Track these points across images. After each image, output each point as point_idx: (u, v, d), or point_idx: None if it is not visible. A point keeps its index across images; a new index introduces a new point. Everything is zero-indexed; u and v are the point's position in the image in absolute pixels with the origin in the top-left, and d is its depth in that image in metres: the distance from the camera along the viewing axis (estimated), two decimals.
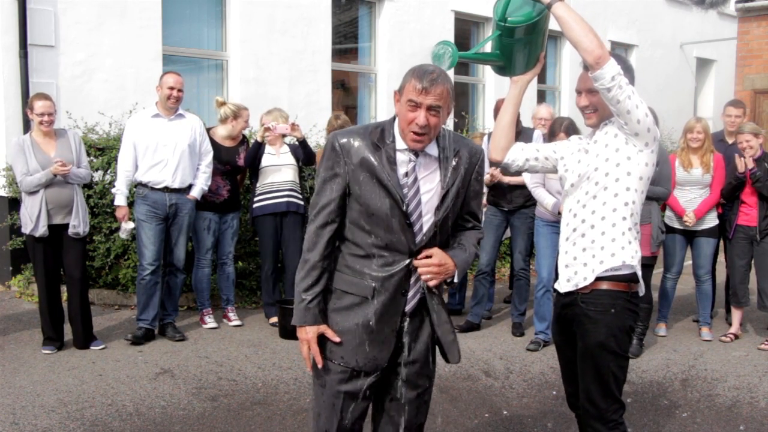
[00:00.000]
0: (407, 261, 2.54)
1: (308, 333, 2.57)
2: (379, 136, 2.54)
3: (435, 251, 2.54)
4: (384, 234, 2.52)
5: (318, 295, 2.57)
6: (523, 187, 5.95)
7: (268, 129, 6.15)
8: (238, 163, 6.35)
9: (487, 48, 3.03)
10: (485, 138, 6.46)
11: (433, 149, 2.57)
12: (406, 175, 2.53)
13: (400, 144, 2.54)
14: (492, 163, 3.49)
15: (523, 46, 2.94)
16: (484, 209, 6.40)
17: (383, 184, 2.49)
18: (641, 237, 5.38)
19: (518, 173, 5.96)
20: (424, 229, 2.55)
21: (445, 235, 2.63)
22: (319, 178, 2.58)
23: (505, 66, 3.02)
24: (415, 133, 2.47)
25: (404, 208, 2.50)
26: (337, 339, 2.58)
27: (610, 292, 2.93)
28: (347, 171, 2.52)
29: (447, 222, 2.60)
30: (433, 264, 2.52)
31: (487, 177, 6.03)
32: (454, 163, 2.58)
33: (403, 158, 2.54)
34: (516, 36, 2.88)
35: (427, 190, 2.55)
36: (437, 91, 2.44)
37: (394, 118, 2.60)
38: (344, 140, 2.53)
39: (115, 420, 4.29)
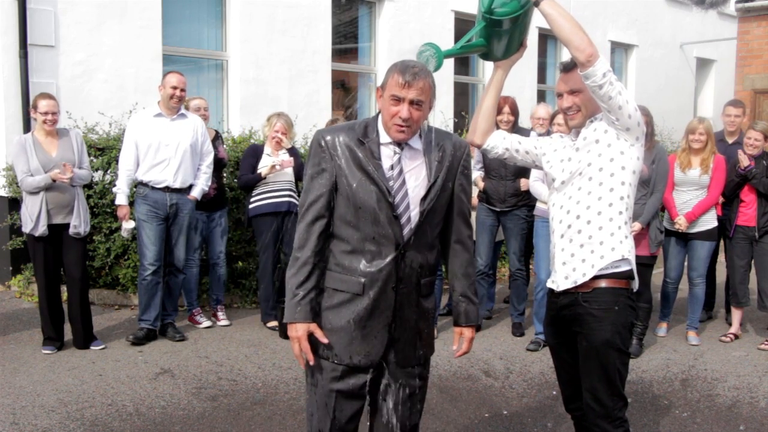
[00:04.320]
0: (395, 254, 2.56)
1: (298, 331, 2.57)
2: (363, 132, 2.58)
3: (464, 337, 2.78)
4: (371, 227, 2.54)
5: (309, 292, 2.58)
6: (522, 193, 5.99)
7: (273, 167, 6.14)
8: (219, 154, 6.33)
9: (472, 39, 3.05)
10: None
11: (417, 143, 2.61)
12: (392, 167, 2.56)
13: (384, 138, 2.58)
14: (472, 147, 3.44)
15: (508, 34, 2.97)
16: (475, 206, 6.41)
17: (369, 176, 2.53)
18: (640, 237, 5.44)
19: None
20: (412, 222, 2.57)
21: (433, 231, 2.65)
22: (307, 175, 2.62)
23: (489, 53, 3.05)
24: (398, 125, 2.51)
25: (391, 199, 2.52)
26: (325, 340, 2.59)
27: (612, 289, 2.94)
28: (334, 166, 2.56)
29: (434, 216, 2.62)
30: (469, 347, 2.81)
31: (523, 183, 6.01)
32: (438, 156, 2.61)
33: (387, 152, 2.58)
34: (503, 27, 2.91)
35: (414, 183, 2.58)
36: (419, 85, 2.48)
37: (377, 115, 2.63)
38: (329, 137, 2.58)
39: (115, 420, 4.29)
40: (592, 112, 3.00)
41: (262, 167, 6.18)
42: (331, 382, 2.60)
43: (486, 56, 3.09)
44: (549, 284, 3.14)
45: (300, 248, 2.59)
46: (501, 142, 3.20)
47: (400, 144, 2.58)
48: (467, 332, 2.79)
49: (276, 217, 6.26)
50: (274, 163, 6.14)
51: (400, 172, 2.57)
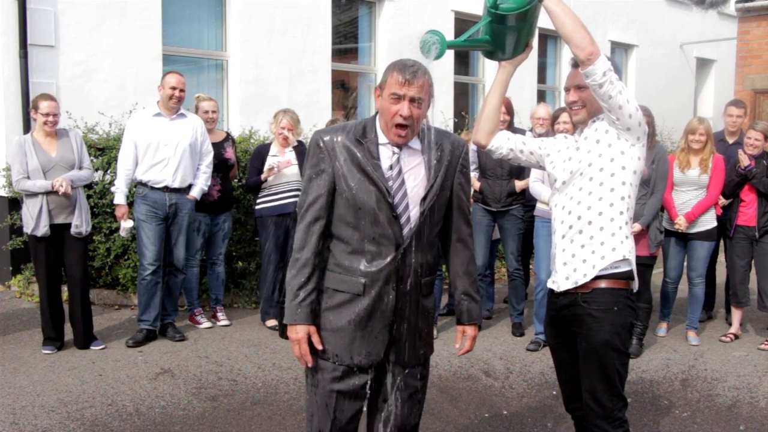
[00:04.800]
0: (395, 254, 2.56)
1: (299, 333, 2.58)
2: (361, 133, 2.59)
3: (466, 335, 2.82)
4: (371, 228, 2.54)
5: (310, 294, 2.58)
6: (517, 193, 6.00)
7: (272, 169, 6.08)
8: (224, 155, 6.30)
9: (477, 34, 3.03)
10: None
11: (416, 143, 2.61)
12: (391, 167, 2.57)
13: (382, 139, 2.58)
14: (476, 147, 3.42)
15: (514, 32, 2.94)
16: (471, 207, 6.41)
17: (369, 176, 2.53)
18: (640, 237, 5.43)
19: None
20: (412, 221, 2.57)
21: (433, 230, 2.64)
22: (306, 177, 2.63)
23: (494, 51, 3.02)
24: (398, 125, 2.52)
25: (390, 200, 2.53)
26: (320, 346, 2.59)
27: (611, 290, 2.93)
28: (333, 167, 2.56)
29: (434, 215, 2.62)
30: (472, 345, 2.84)
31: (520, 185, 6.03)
32: (437, 155, 2.61)
33: (386, 152, 2.58)
34: (507, 23, 2.89)
35: (413, 183, 2.58)
36: (419, 83, 2.49)
37: (375, 115, 2.64)
38: (327, 138, 2.59)
39: (115, 420, 4.29)
40: (596, 110, 3.00)
41: (269, 165, 6.17)
42: (332, 382, 2.60)
43: (491, 55, 3.06)
44: (549, 284, 3.14)
45: (300, 249, 2.59)
46: (505, 143, 3.19)
47: (399, 145, 2.58)
48: (470, 330, 2.81)
49: (281, 218, 6.20)
50: (271, 165, 6.11)
51: (399, 172, 2.57)
